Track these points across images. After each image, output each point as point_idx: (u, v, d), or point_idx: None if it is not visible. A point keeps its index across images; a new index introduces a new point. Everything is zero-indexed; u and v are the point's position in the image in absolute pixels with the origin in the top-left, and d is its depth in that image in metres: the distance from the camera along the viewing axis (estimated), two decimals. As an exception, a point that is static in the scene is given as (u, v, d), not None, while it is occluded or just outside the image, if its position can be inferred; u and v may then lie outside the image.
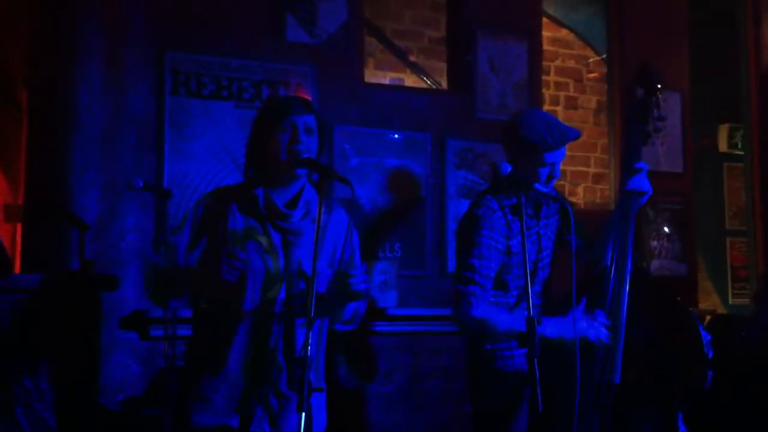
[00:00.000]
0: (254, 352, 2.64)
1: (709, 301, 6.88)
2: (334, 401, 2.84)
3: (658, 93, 3.28)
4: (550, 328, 2.97)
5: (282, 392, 2.64)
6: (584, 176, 7.36)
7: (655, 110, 3.28)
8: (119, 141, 4.21)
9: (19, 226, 4.26)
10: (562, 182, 7.03)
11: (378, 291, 4.59)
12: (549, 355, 2.87)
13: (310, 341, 2.34)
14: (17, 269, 4.10)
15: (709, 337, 3.09)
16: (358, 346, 4.53)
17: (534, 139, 3.07)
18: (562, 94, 7.50)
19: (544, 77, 6.10)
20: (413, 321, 4.63)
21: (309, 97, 4.53)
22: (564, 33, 7.49)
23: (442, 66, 5.81)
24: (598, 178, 7.36)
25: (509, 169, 3.02)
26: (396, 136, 4.87)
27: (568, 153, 3.21)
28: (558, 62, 7.50)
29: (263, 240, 2.66)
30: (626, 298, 3.10)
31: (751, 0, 6.22)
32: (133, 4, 4.28)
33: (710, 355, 3.07)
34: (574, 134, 3.13)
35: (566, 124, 3.24)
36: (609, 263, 3.18)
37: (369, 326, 4.54)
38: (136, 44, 4.28)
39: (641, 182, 3.19)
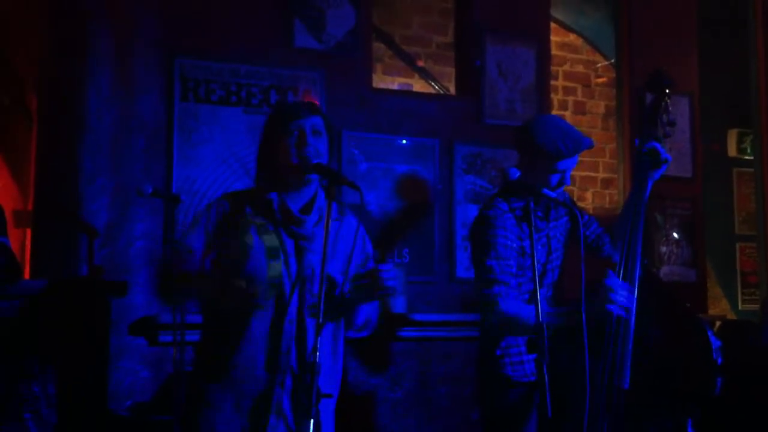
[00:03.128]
0: (266, 358, 2.64)
1: (718, 307, 6.85)
2: (343, 407, 2.84)
3: (666, 98, 3.28)
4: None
5: (296, 398, 2.64)
6: (593, 181, 7.36)
7: (664, 115, 3.28)
8: (128, 147, 4.22)
9: (28, 232, 4.27)
10: (571, 187, 7.02)
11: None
12: (560, 360, 2.87)
13: (319, 347, 2.34)
14: (26, 275, 4.11)
15: (718, 343, 3.08)
16: (380, 353, 4.55)
17: (548, 147, 3.06)
18: (570, 98, 7.50)
19: (552, 82, 6.10)
20: (432, 327, 4.62)
21: (317, 102, 4.54)
22: (572, 38, 7.49)
23: (450, 71, 5.82)
24: (606, 183, 7.36)
25: (517, 173, 3.02)
26: (404, 141, 4.87)
27: (578, 155, 3.21)
28: (566, 67, 7.50)
29: (268, 240, 2.65)
30: (636, 286, 3.09)
31: (761, 3, 6.21)
32: (142, 10, 4.30)
33: (719, 361, 3.06)
34: (587, 143, 3.12)
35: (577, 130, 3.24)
36: (618, 253, 3.18)
37: (394, 332, 4.54)
38: (146, 50, 4.29)
39: (659, 149, 3.19)
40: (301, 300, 2.66)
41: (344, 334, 2.83)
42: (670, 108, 3.28)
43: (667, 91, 3.28)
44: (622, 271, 3.13)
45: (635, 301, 3.05)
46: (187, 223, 4.24)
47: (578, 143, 3.09)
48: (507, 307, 3.01)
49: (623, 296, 2.92)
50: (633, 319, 3.08)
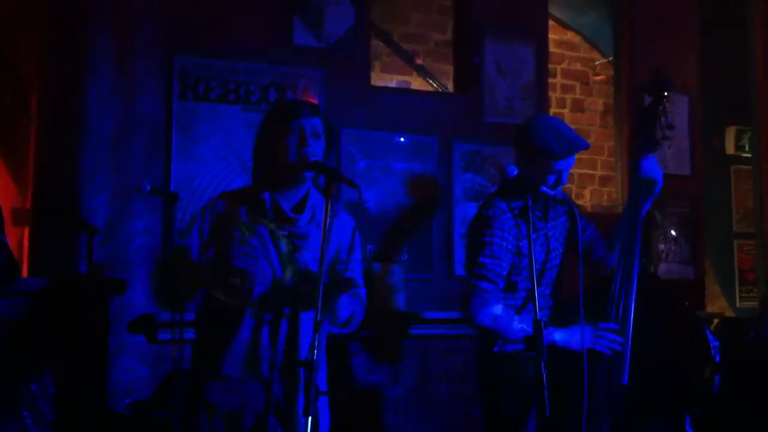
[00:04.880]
0: (261, 356, 2.64)
1: (716, 305, 6.85)
2: (343, 403, 2.85)
3: (665, 101, 3.30)
4: (560, 335, 3.00)
5: (290, 395, 2.64)
6: (591, 179, 7.36)
7: (662, 118, 3.30)
8: (128, 145, 4.22)
9: (26, 230, 4.26)
10: (569, 185, 7.00)
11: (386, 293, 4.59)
12: (558, 358, 2.89)
13: (317, 344, 2.34)
14: (25, 273, 4.10)
15: (716, 343, 3.10)
16: (383, 350, 4.55)
17: (542, 147, 3.08)
18: (568, 96, 7.49)
19: (550, 80, 6.09)
20: (433, 324, 4.62)
21: (316, 101, 4.55)
22: (570, 35, 7.48)
23: (449, 69, 5.81)
24: (604, 181, 7.35)
25: (515, 171, 3.03)
26: (402, 139, 4.87)
27: (575, 155, 3.22)
28: (564, 65, 7.50)
29: (272, 225, 2.65)
30: (634, 297, 3.11)
31: (761, 1, 6.20)
32: (142, 8, 4.29)
33: (717, 359, 3.08)
34: (583, 145, 3.15)
35: (574, 129, 3.25)
36: (616, 262, 3.20)
37: (406, 329, 4.54)
38: (145, 48, 4.29)
39: (653, 169, 3.22)
40: (293, 298, 2.67)
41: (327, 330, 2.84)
42: (668, 111, 3.30)
43: (665, 94, 3.30)
44: (620, 275, 3.15)
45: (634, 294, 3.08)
46: (186, 220, 4.25)
47: (573, 144, 3.11)
48: (490, 310, 3.03)
49: (609, 337, 3.08)
50: (632, 312, 3.10)
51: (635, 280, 3.13)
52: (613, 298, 3.14)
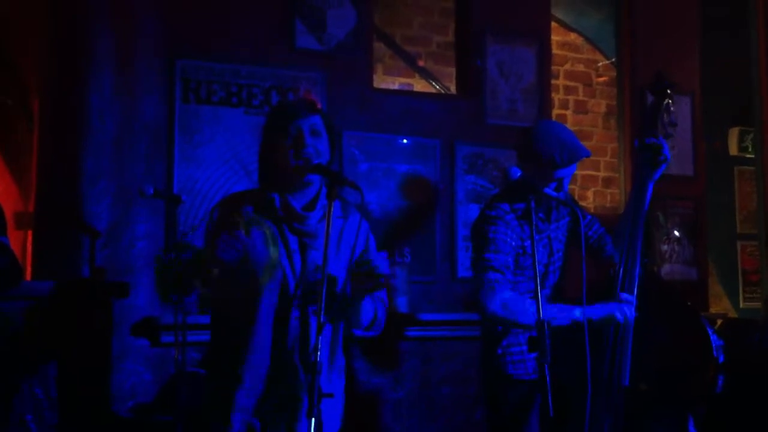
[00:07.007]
0: (272, 356, 2.64)
1: (720, 305, 6.85)
2: (345, 406, 2.84)
3: (669, 99, 3.30)
4: (578, 310, 2.98)
5: (299, 396, 2.63)
6: (594, 180, 7.35)
7: (665, 115, 3.30)
8: (130, 148, 4.22)
9: (29, 234, 4.27)
10: (572, 186, 7.00)
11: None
12: (561, 359, 2.88)
13: (320, 346, 2.34)
14: (28, 276, 4.11)
15: (720, 342, 3.09)
16: (384, 353, 4.54)
17: (544, 155, 3.11)
18: (571, 98, 7.49)
19: (553, 81, 6.09)
20: (435, 326, 4.61)
21: (318, 105, 4.54)
22: (573, 37, 7.48)
23: (451, 71, 5.81)
24: (607, 182, 7.35)
25: (518, 173, 3.03)
26: (405, 141, 4.87)
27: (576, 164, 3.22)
28: (567, 66, 7.50)
29: (266, 229, 2.63)
30: (636, 285, 3.11)
31: (762, 2, 6.20)
32: (144, 12, 4.30)
33: (721, 359, 3.07)
34: (583, 154, 3.17)
35: (577, 131, 3.27)
36: (618, 253, 3.21)
37: (400, 332, 4.54)
38: (147, 52, 4.29)
39: (659, 141, 3.24)
40: (305, 297, 2.66)
41: (346, 334, 2.83)
42: (672, 108, 3.30)
43: (669, 92, 3.30)
44: (621, 271, 3.15)
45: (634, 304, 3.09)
46: (188, 224, 4.26)
47: (574, 154, 3.13)
48: (501, 295, 3.02)
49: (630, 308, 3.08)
50: (632, 317, 3.10)
51: (636, 283, 3.13)
52: (616, 288, 3.14)
